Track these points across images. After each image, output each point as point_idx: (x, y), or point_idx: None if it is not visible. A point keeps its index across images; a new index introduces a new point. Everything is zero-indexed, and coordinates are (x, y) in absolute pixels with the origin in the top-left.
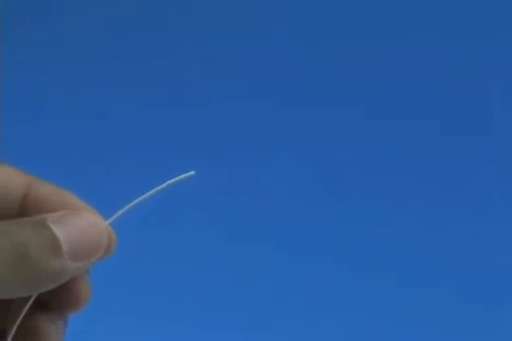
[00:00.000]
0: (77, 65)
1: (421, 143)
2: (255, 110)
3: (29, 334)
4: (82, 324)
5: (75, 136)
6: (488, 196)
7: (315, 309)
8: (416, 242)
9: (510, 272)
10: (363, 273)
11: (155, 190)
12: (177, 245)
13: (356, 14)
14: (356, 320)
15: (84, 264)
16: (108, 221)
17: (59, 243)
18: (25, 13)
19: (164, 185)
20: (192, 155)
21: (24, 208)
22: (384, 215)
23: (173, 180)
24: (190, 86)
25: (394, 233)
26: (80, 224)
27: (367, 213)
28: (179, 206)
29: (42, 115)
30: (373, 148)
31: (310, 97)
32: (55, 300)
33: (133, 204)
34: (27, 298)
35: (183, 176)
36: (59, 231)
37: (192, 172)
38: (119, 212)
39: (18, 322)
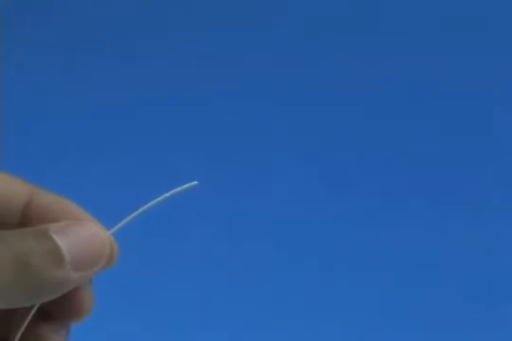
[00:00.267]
0: (77, 65)
1: (421, 143)
2: (255, 110)
3: None
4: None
5: (75, 136)
6: (488, 196)
7: (315, 309)
8: (416, 242)
9: (510, 272)
10: (363, 273)
11: (157, 200)
12: (177, 246)
13: (356, 14)
14: (356, 320)
15: (87, 274)
16: (110, 231)
17: (61, 254)
18: (25, 13)
19: (166, 195)
20: (192, 155)
21: (25, 218)
22: (384, 215)
23: (176, 190)
24: (190, 86)
25: (394, 233)
26: (82, 234)
27: (367, 213)
28: (179, 206)
29: (42, 115)
30: (373, 148)
31: (310, 97)
32: (58, 310)
33: (135, 214)
34: (30, 308)
35: (186, 186)
36: (61, 241)
37: (196, 182)
38: (122, 222)
39: (21, 332)
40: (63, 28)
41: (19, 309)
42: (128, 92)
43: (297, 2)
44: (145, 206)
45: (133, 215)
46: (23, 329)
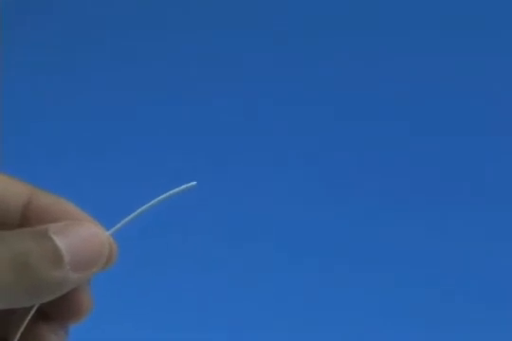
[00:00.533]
0: (77, 65)
1: (421, 143)
2: (255, 110)
3: None
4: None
5: (75, 136)
6: (488, 196)
7: (315, 309)
8: (416, 242)
9: (510, 272)
10: (363, 273)
11: (155, 201)
12: (177, 246)
13: (356, 14)
14: (356, 320)
15: (86, 275)
16: (109, 231)
17: (60, 254)
18: (25, 13)
19: (165, 195)
20: (192, 155)
21: (25, 218)
22: (384, 215)
23: (175, 191)
24: (190, 86)
25: (394, 233)
26: (81, 234)
27: (367, 213)
28: (179, 206)
29: (42, 115)
30: (373, 148)
31: (310, 97)
32: (56, 310)
33: (133, 215)
34: (29, 309)
35: (184, 187)
36: (60, 242)
37: (194, 183)
38: (121, 223)
39: (20, 332)
40: (63, 28)
41: (18, 309)
42: (128, 92)
43: (297, 2)
44: (143, 207)
45: (131, 216)
46: (22, 329)
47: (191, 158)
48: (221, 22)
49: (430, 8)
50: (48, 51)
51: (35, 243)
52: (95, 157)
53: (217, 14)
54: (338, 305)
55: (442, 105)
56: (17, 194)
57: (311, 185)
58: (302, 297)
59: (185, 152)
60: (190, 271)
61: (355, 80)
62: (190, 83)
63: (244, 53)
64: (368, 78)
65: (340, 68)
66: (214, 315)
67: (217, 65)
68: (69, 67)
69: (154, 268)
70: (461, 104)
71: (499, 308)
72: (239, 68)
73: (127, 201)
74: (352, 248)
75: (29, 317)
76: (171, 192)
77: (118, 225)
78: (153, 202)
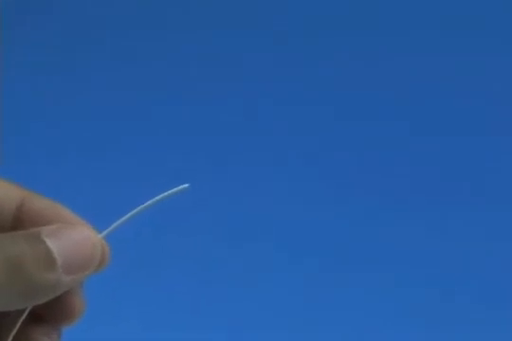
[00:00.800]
0: (77, 65)
1: (421, 143)
2: (255, 110)
3: None
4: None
5: (75, 136)
6: (488, 196)
7: (315, 309)
8: (416, 242)
9: (510, 272)
10: (363, 273)
11: (148, 203)
12: (177, 246)
13: (356, 14)
14: (356, 320)
15: (78, 277)
16: (102, 234)
17: (53, 257)
18: (25, 13)
19: (158, 198)
20: (192, 155)
21: (18, 221)
22: (384, 215)
23: (167, 193)
24: (190, 86)
25: (394, 233)
26: (74, 237)
27: (367, 213)
28: (179, 206)
29: (42, 115)
30: (373, 148)
31: (310, 97)
32: (49, 313)
33: (125, 217)
34: (22, 311)
35: (177, 189)
36: (53, 244)
37: (186, 185)
38: (113, 225)
39: (13, 335)
40: (63, 28)
41: (11, 312)
42: (128, 92)
43: (297, 2)
44: (135, 210)
45: (123, 218)
46: (15, 332)
47: (190, 158)
48: (221, 22)
49: (430, 8)
50: (48, 51)
51: (28, 246)
52: (94, 157)
53: (217, 14)
54: (338, 305)
55: (442, 105)
56: (10, 197)
57: (311, 185)
58: (302, 297)
59: (185, 152)
60: (190, 271)
61: (355, 81)
62: (190, 83)
63: (244, 53)
64: (368, 78)
65: (340, 68)
66: (214, 315)
67: (217, 65)
68: (69, 67)
69: (154, 268)
70: (461, 104)
71: (499, 308)
72: (239, 68)
73: (127, 201)
74: (352, 248)
75: (22, 320)
76: (163, 195)
77: (110, 228)
78: (145, 204)
